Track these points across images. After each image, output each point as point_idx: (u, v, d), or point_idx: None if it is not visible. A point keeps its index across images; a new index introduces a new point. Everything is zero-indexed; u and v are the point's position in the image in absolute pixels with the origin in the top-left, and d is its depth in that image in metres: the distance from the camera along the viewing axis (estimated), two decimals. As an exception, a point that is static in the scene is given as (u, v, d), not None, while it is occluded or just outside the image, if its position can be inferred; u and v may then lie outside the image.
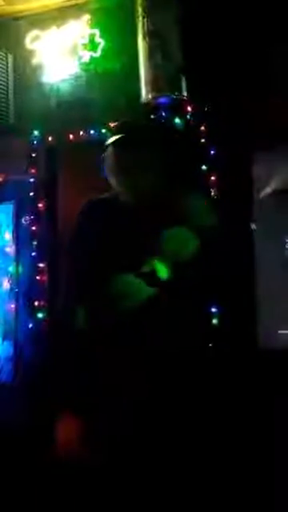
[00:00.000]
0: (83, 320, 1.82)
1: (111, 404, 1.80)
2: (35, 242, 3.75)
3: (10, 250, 3.90)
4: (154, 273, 1.78)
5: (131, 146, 1.91)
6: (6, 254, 3.94)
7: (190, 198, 2.00)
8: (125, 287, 1.78)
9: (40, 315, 3.64)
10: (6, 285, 3.90)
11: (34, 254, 3.74)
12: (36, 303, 3.67)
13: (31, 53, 4.12)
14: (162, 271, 1.78)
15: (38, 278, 3.71)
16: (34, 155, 3.83)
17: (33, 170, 3.82)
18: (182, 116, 3.43)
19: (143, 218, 1.85)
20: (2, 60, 4.08)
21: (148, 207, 1.87)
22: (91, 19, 3.96)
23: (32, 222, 3.78)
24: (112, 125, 2.00)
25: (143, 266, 1.78)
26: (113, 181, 1.94)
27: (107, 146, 1.97)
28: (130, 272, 1.78)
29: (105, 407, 1.80)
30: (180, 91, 3.51)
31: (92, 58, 3.95)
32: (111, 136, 1.99)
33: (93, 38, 3.95)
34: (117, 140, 1.93)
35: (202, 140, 3.37)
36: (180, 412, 1.88)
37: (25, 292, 3.79)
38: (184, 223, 1.85)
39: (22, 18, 4.20)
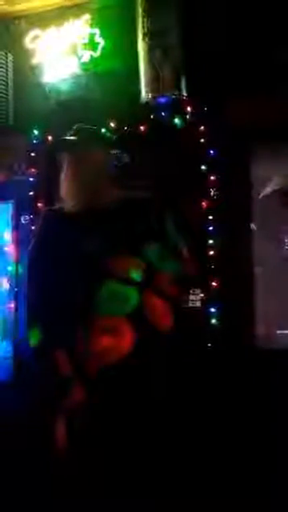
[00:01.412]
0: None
1: (111, 401, 1.80)
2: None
3: (10, 249, 3.91)
4: (129, 276, 1.78)
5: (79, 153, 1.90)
6: (5, 254, 3.94)
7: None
8: (113, 293, 1.78)
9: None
10: (6, 284, 3.90)
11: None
12: (35, 303, 3.67)
13: (31, 52, 4.12)
14: (136, 274, 1.78)
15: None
16: (33, 155, 3.83)
17: (32, 170, 3.82)
18: (182, 116, 3.44)
19: (98, 220, 1.83)
20: (2, 59, 4.08)
21: (99, 215, 1.85)
22: (91, 19, 3.96)
23: (31, 222, 3.78)
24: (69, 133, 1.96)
25: (118, 271, 1.78)
26: (66, 196, 1.92)
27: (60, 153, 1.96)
28: (106, 278, 1.78)
29: (104, 405, 1.80)
30: (180, 91, 3.52)
31: (92, 58, 3.95)
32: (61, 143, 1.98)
33: (92, 38, 3.94)
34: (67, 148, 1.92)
35: (202, 140, 3.38)
36: (180, 411, 1.88)
37: (24, 291, 3.78)
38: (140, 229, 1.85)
39: (21, 17, 4.19)
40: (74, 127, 1.97)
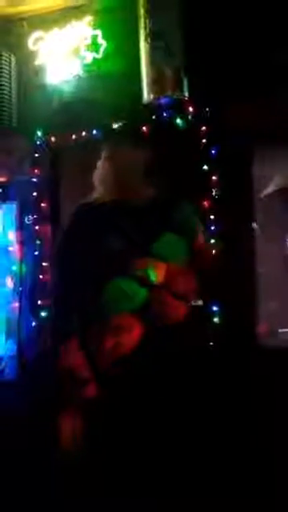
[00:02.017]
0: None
1: (113, 399, 1.82)
2: (38, 242, 3.78)
3: (14, 249, 3.94)
4: (146, 275, 1.80)
5: (126, 151, 1.92)
6: (9, 254, 3.97)
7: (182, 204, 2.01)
8: (120, 290, 1.81)
9: (43, 314, 3.67)
10: (10, 284, 3.93)
11: (37, 253, 3.78)
12: (39, 302, 3.70)
13: (34, 54, 4.14)
14: (153, 274, 1.81)
15: (41, 277, 3.74)
16: (37, 155, 3.86)
17: (36, 171, 3.85)
18: (184, 116, 3.46)
19: (135, 221, 1.85)
20: (6, 61, 4.10)
21: (140, 211, 1.87)
22: (93, 20, 3.97)
23: (35, 222, 3.82)
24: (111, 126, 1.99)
25: (135, 269, 1.80)
26: (104, 187, 1.93)
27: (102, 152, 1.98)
28: (123, 276, 1.80)
29: (107, 403, 1.83)
30: (181, 92, 3.53)
31: (94, 60, 3.96)
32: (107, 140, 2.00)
33: (95, 40, 3.96)
34: (112, 146, 1.94)
35: (204, 140, 3.40)
36: (181, 410, 1.90)
37: (28, 291, 3.82)
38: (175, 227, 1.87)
39: (24, 19, 4.21)
40: (119, 123, 2.01)
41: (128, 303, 1.83)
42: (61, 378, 1.85)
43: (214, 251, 2.00)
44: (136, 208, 1.89)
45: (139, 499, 1.83)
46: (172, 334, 1.88)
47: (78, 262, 1.88)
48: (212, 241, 3.26)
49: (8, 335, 3.91)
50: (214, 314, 3.19)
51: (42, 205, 3.81)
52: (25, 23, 4.21)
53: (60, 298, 1.94)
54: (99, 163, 1.98)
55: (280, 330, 3.24)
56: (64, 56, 4.04)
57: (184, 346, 1.93)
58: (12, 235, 3.98)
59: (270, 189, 3.36)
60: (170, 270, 1.85)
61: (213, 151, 3.37)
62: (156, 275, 1.83)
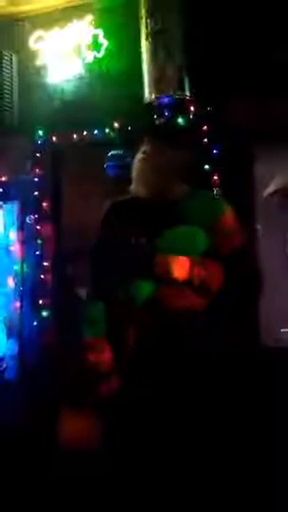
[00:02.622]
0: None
1: (116, 399, 1.82)
2: (40, 241, 3.78)
3: (15, 249, 3.94)
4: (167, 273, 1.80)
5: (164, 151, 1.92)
6: (10, 253, 3.97)
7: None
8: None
9: (44, 313, 3.67)
10: (11, 283, 3.93)
11: (38, 252, 3.78)
12: (40, 302, 3.70)
13: (35, 53, 4.14)
14: (174, 271, 1.81)
15: (42, 276, 3.74)
16: (38, 155, 3.86)
17: (37, 170, 3.85)
18: (185, 116, 3.45)
19: (166, 218, 1.85)
20: (7, 61, 4.10)
21: (170, 207, 1.87)
22: (94, 20, 3.97)
23: (36, 222, 3.81)
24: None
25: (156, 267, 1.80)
26: (141, 184, 1.93)
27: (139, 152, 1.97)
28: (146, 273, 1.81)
29: (110, 403, 1.83)
30: (183, 91, 3.53)
31: (95, 59, 3.96)
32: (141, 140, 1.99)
33: (96, 39, 3.95)
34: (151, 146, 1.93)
35: (205, 140, 3.40)
36: (182, 410, 1.90)
37: (29, 291, 3.82)
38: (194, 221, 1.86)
39: (25, 18, 4.21)
40: (160, 121, 2.00)
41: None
42: (82, 374, 1.85)
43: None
44: (167, 206, 1.89)
45: (140, 498, 1.83)
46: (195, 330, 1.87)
47: (109, 257, 1.89)
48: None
49: (9, 335, 3.91)
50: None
51: (43, 204, 3.81)
52: (26, 23, 4.21)
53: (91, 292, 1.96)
54: (136, 160, 1.97)
55: (282, 330, 3.24)
56: (65, 55, 4.04)
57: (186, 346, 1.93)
58: (13, 235, 3.98)
59: (271, 188, 3.35)
60: (193, 267, 1.82)
61: (214, 151, 3.37)
62: (179, 272, 1.82)
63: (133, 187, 1.96)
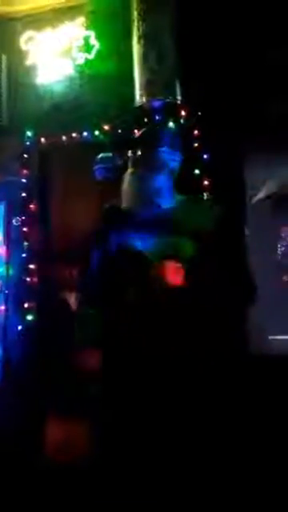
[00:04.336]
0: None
1: (105, 404, 1.80)
2: (26, 244, 3.72)
3: (1, 250, 3.88)
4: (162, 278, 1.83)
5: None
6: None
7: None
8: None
9: (29, 317, 3.61)
10: (-4, 286, 3.87)
11: (24, 255, 3.72)
12: (26, 305, 3.64)
13: (25, 54, 4.09)
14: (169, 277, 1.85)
15: (28, 279, 3.68)
16: (26, 156, 3.81)
17: (25, 171, 3.80)
18: (176, 120, 3.43)
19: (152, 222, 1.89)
20: (-4, 61, 4.06)
21: (157, 217, 1.92)
22: (86, 22, 3.94)
23: (23, 223, 3.76)
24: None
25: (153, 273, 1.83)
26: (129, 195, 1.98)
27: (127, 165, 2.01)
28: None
29: (98, 408, 1.80)
30: (174, 95, 3.50)
31: (86, 61, 3.93)
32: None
33: (87, 41, 3.93)
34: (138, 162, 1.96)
35: (196, 144, 3.38)
36: (173, 416, 1.88)
37: (15, 294, 3.75)
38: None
39: (16, 18, 4.17)
40: (143, 130, 2.05)
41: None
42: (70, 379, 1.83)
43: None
44: (160, 213, 1.92)
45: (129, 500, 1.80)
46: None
47: (103, 259, 1.91)
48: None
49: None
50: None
51: (31, 206, 3.76)
52: (17, 23, 4.17)
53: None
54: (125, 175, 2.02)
55: (270, 337, 3.22)
56: (56, 56, 4.01)
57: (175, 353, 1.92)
58: (-1, 236, 3.91)
59: (261, 194, 3.35)
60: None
61: (205, 155, 3.35)
62: (175, 278, 1.85)
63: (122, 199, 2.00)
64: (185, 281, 1.87)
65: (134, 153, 2.01)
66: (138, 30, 3.61)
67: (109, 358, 1.84)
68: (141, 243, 1.91)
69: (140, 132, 3.31)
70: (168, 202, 2.02)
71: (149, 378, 1.83)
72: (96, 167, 3.40)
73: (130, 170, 2.06)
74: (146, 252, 1.91)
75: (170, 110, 3.47)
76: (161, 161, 2.17)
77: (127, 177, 2.07)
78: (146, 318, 1.84)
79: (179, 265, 1.89)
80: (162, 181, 2.05)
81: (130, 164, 2.10)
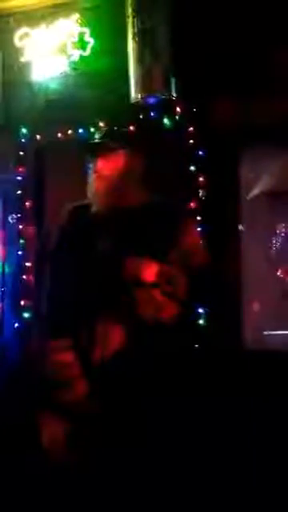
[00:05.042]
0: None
1: (96, 402, 1.80)
2: (22, 241, 3.73)
3: (-4, 248, 3.88)
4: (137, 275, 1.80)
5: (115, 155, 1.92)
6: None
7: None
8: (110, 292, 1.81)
9: (26, 315, 3.62)
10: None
11: (20, 252, 3.72)
12: (22, 303, 3.65)
13: (20, 50, 4.08)
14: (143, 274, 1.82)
15: (24, 277, 3.69)
16: (21, 153, 3.81)
17: (20, 169, 3.80)
18: (171, 116, 3.44)
19: (118, 220, 1.86)
20: (-9, 57, 4.05)
21: (123, 216, 1.88)
22: (81, 18, 3.93)
23: (19, 221, 3.76)
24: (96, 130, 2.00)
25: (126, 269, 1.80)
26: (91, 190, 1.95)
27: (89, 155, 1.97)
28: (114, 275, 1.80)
29: (90, 406, 1.80)
30: (169, 91, 3.50)
31: (81, 57, 3.92)
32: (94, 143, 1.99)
33: (82, 37, 3.92)
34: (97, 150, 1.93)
35: (191, 141, 3.38)
36: (166, 412, 1.88)
37: (11, 291, 3.76)
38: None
39: (10, 15, 4.16)
40: (103, 129, 2.02)
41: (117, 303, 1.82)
42: (48, 375, 1.83)
43: (203, 252, 1.99)
44: (127, 213, 1.89)
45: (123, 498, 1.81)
46: (162, 334, 1.87)
47: (72, 260, 1.88)
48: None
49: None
50: (199, 316, 3.16)
51: (26, 204, 3.76)
52: (11, 19, 4.15)
53: (54, 295, 1.93)
54: (90, 171, 1.98)
55: (265, 333, 3.23)
56: (50, 53, 3.99)
57: (173, 347, 1.92)
58: (-5, 234, 3.91)
59: (256, 190, 3.35)
60: (161, 270, 1.85)
61: (200, 152, 3.35)
62: (147, 274, 1.83)
63: (89, 197, 1.97)
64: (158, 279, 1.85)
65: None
66: (133, 26, 3.60)
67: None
68: (111, 242, 1.86)
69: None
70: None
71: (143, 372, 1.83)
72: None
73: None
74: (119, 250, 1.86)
75: (166, 107, 3.47)
76: None
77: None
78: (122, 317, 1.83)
79: (151, 261, 1.85)
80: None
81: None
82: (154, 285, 1.84)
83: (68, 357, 1.79)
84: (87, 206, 1.98)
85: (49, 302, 1.95)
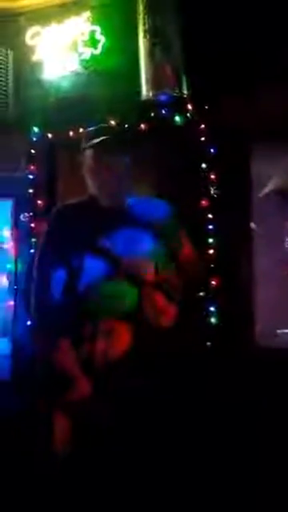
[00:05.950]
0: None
1: (108, 399, 1.80)
2: (34, 239, 3.74)
3: (9, 246, 3.90)
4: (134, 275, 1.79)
5: (112, 149, 1.91)
6: (4, 251, 3.94)
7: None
8: (111, 291, 1.79)
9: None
10: (5, 282, 3.90)
11: (32, 251, 3.74)
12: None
13: (31, 49, 4.09)
14: (144, 273, 1.81)
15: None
16: (33, 152, 3.82)
17: (32, 167, 3.81)
18: (183, 114, 3.43)
19: (114, 218, 1.85)
20: (2, 56, 4.06)
21: (120, 209, 1.87)
22: (92, 16, 3.93)
23: (31, 219, 3.78)
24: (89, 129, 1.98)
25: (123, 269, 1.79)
26: (90, 182, 1.94)
27: (85, 149, 1.96)
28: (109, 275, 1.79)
29: (101, 403, 1.80)
30: (180, 89, 3.50)
31: (92, 55, 3.93)
32: (88, 139, 1.98)
33: (93, 35, 3.92)
34: (98, 142, 1.92)
35: (202, 138, 3.37)
36: (179, 410, 1.88)
37: (23, 289, 3.78)
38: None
39: (22, 14, 4.17)
40: (97, 127, 1.99)
41: (118, 304, 1.81)
42: (49, 377, 1.83)
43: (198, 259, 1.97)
44: (114, 209, 1.88)
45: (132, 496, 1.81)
46: (165, 336, 1.86)
47: (60, 261, 1.85)
48: (210, 240, 3.25)
49: (2, 334, 3.87)
50: (211, 314, 3.16)
51: (38, 202, 3.77)
52: (22, 18, 4.17)
53: (41, 296, 1.91)
54: (85, 165, 1.96)
55: (278, 331, 3.22)
56: (62, 51, 4.00)
57: (177, 348, 1.91)
58: (7, 232, 3.94)
59: (268, 188, 3.34)
60: (158, 270, 1.84)
61: (211, 149, 3.34)
62: (144, 274, 1.82)
63: (93, 192, 1.94)
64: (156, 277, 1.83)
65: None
66: (144, 24, 3.60)
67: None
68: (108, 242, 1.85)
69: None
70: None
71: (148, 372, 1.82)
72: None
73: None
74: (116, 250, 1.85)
75: (177, 104, 3.46)
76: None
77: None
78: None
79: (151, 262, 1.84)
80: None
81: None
82: (154, 285, 1.83)
83: (68, 357, 1.78)
84: (81, 203, 1.95)
85: (37, 304, 1.93)
